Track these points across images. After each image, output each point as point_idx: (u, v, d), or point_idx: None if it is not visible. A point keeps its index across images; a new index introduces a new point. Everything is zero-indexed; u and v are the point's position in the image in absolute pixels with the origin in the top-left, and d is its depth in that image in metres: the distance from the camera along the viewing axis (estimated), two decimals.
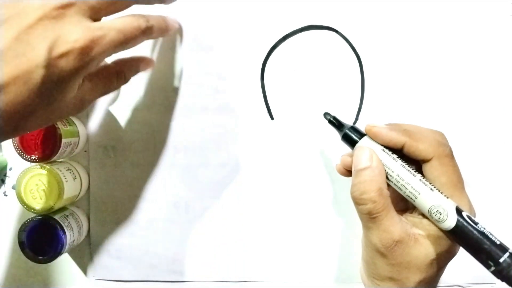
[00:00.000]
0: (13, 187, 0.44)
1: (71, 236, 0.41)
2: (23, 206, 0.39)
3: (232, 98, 0.44)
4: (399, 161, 0.33)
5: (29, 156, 0.39)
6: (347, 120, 0.43)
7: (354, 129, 0.35)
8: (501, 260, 0.27)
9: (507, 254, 0.28)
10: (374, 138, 0.34)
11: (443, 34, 0.43)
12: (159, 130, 0.44)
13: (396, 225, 0.31)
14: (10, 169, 0.45)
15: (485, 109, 0.43)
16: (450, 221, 0.30)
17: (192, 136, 0.44)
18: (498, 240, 0.29)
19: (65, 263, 0.45)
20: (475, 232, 0.29)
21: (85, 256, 0.45)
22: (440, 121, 0.43)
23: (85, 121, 0.44)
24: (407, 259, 0.31)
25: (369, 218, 0.32)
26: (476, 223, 0.30)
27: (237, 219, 0.44)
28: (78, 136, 0.42)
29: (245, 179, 0.44)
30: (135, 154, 0.44)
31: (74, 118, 0.43)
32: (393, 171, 0.33)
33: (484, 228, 0.29)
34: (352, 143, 0.35)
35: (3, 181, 0.45)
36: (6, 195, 0.45)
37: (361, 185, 0.33)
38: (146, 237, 0.43)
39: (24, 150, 0.39)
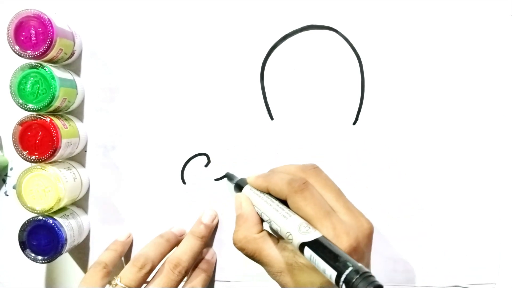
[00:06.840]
0: (14, 187, 0.44)
1: (71, 236, 0.41)
2: (23, 206, 0.39)
3: (232, 98, 0.44)
4: (264, 197, 0.36)
5: (29, 156, 0.39)
6: (348, 120, 0.43)
7: (242, 180, 0.40)
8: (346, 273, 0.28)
9: (350, 268, 0.28)
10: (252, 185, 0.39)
11: (443, 34, 0.43)
12: (159, 130, 0.44)
13: (275, 259, 0.34)
14: (11, 169, 0.45)
15: (485, 109, 0.43)
16: (296, 241, 0.32)
17: (192, 136, 0.44)
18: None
19: (65, 263, 0.45)
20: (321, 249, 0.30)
21: (85, 256, 0.45)
22: (440, 121, 0.43)
23: (85, 121, 0.44)
24: (295, 286, 0.33)
25: (252, 259, 0.36)
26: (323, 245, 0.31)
27: None
28: (78, 136, 0.42)
29: None
30: (135, 154, 0.44)
31: (74, 118, 0.43)
32: (259, 209, 0.37)
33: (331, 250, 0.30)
34: (240, 190, 0.40)
35: (4, 181, 0.45)
36: (7, 195, 0.45)
37: (234, 235, 0.37)
38: (146, 237, 0.43)
39: (24, 150, 0.39)
